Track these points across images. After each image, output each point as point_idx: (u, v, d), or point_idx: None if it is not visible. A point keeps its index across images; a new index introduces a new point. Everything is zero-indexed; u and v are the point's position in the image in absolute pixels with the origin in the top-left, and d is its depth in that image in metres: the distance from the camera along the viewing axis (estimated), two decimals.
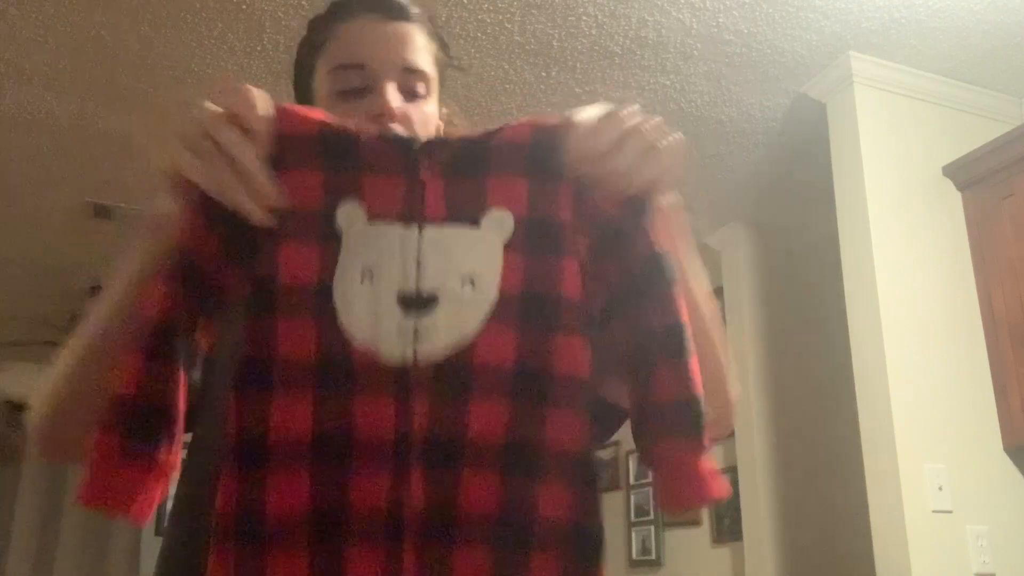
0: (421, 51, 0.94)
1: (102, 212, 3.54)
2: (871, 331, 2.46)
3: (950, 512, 2.33)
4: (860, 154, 2.58)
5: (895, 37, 2.53)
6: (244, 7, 2.40)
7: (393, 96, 0.90)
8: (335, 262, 0.68)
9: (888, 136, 2.64)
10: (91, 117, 2.90)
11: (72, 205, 3.50)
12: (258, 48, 2.57)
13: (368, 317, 0.67)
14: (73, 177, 3.29)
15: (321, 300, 0.68)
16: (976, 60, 2.63)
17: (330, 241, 0.69)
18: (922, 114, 2.71)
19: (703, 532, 3.77)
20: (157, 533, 5.53)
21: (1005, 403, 2.46)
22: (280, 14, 2.43)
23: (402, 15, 0.94)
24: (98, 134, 2.99)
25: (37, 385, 0.83)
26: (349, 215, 0.69)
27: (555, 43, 2.55)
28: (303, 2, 2.38)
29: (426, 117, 0.93)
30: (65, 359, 0.81)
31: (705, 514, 3.77)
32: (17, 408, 5.46)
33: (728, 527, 3.61)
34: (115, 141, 3.03)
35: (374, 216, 0.69)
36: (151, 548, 5.40)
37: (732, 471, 3.56)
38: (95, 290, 4.37)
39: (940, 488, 2.33)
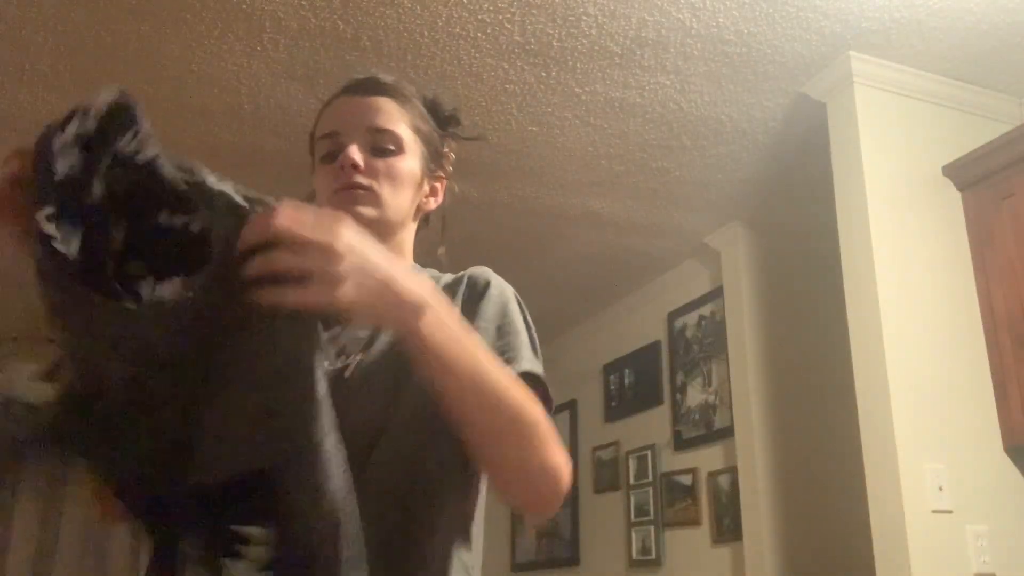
0: (390, 116, 1.08)
1: None
2: (871, 331, 2.46)
3: (950, 512, 2.33)
4: (860, 154, 2.58)
5: (895, 37, 2.53)
6: (244, 7, 2.40)
7: (353, 150, 1.04)
8: None
9: (888, 136, 2.64)
10: None
11: None
12: (258, 48, 2.57)
13: None
14: None
15: None
16: (976, 60, 2.63)
17: None
18: (922, 114, 2.71)
19: (703, 532, 3.77)
20: None
21: (1005, 403, 2.46)
22: (280, 14, 2.43)
23: (377, 91, 1.10)
24: None
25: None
26: None
27: (555, 43, 2.55)
28: (303, 2, 2.38)
29: (395, 171, 1.07)
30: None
31: (705, 514, 3.77)
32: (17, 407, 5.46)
33: (728, 527, 3.61)
34: None
35: None
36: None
37: (732, 471, 3.57)
38: None
39: (940, 488, 2.33)
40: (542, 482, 0.90)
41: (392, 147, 1.07)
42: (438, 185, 1.17)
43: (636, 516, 4.20)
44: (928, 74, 2.69)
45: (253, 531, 0.74)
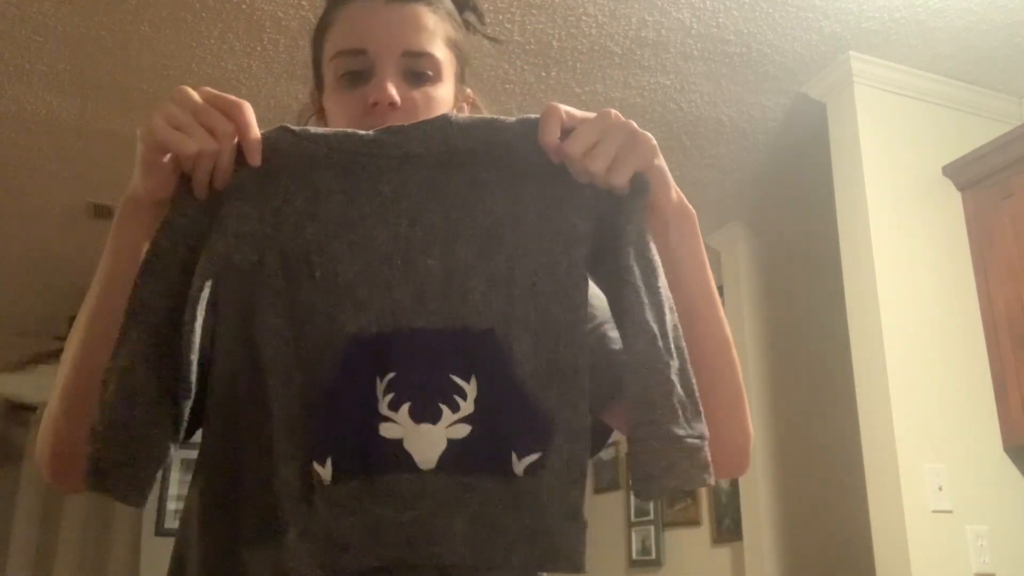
0: (428, 33, 0.92)
1: (102, 212, 3.54)
2: (871, 331, 2.46)
3: (950, 512, 2.33)
4: (860, 154, 2.58)
5: (895, 37, 2.53)
6: (244, 7, 2.40)
7: (390, 84, 0.89)
8: None
9: (888, 136, 2.64)
10: (91, 117, 2.90)
11: (72, 205, 3.50)
12: (258, 48, 2.57)
13: None
14: (73, 177, 3.29)
15: None
16: (976, 60, 2.63)
17: None
18: (922, 114, 2.71)
19: (703, 532, 3.77)
20: (157, 533, 5.53)
21: (1005, 403, 2.46)
22: (280, 14, 2.43)
23: None
24: (98, 134, 2.99)
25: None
26: None
27: (555, 43, 2.55)
28: (303, 2, 2.38)
29: (433, 101, 0.92)
30: (60, 373, 0.79)
31: (705, 514, 3.77)
32: (17, 408, 5.46)
33: (728, 527, 3.61)
34: (115, 141, 3.04)
35: None
36: (151, 548, 5.40)
37: None
38: None
39: (940, 488, 2.33)
40: (744, 426, 0.84)
41: (430, 72, 0.93)
42: (465, 105, 1.03)
43: (636, 516, 4.20)
44: (928, 74, 2.69)
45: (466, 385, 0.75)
